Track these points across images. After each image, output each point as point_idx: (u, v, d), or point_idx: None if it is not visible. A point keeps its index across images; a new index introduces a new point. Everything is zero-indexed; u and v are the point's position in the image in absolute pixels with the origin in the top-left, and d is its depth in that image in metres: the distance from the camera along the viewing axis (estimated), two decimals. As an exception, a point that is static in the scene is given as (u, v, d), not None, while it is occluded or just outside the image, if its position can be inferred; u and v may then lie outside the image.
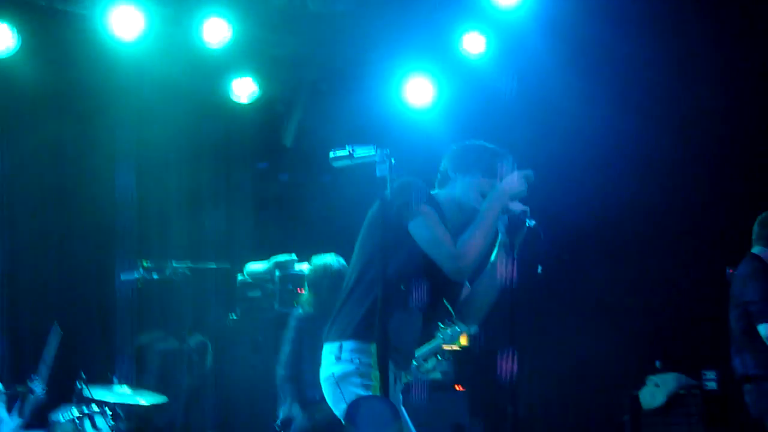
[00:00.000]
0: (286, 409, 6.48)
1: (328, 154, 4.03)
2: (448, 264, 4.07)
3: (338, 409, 4.16)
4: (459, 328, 6.48)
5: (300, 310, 6.73)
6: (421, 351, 6.60)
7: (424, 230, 4.09)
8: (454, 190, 4.35)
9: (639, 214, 7.98)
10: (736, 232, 6.53)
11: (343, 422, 3.95)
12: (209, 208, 8.94)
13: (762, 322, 5.75)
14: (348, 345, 4.13)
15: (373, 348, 3.96)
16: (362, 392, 3.99)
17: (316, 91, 8.74)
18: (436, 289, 4.19)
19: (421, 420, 7.06)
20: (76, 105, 8.06)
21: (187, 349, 7.27)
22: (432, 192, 4.33)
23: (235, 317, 7.77)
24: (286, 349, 6.61)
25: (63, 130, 8.03)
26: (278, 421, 6.47)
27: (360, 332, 4.10)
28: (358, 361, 4.09)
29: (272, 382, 6.66)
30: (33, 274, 7.96)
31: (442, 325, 6.40)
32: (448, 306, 4.50)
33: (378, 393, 3.80)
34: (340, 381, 4.12)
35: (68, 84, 7.98)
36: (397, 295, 4.00)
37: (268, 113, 8.85)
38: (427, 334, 4.42)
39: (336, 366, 4.14)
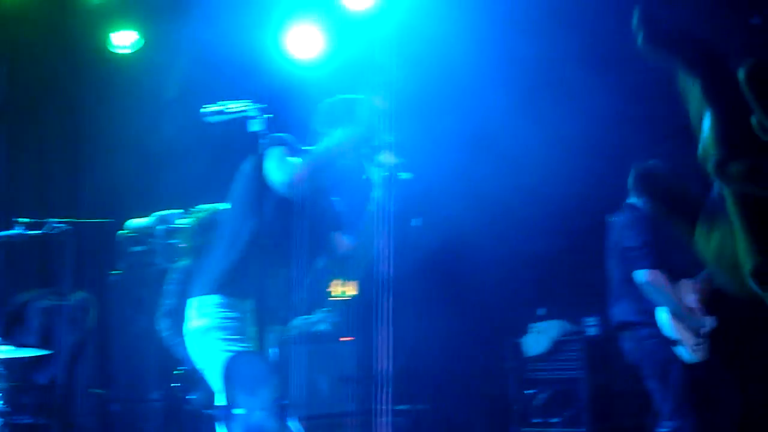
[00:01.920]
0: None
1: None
2: (282, 185, 4.05)
3: (202, 364, 4.15)
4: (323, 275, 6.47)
5: (184, 265, 6.66)
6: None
7: (269, 161, 4.08)
8: (327, 143, 4.35)
9: (521, 164, 8.05)
10: (616, 181, 6.65)
11: (205, 377, 3.95)
12: (90, 164, 8.77)
13: (641, 268, 5.88)
14: (213, 299, 4.11)
15: (241, 303, 3.96)
16: (225, 346, 3.96)
17: (198, 43, 8.59)
18: (300, 242, 4.18)
19: (309, 372, 7.15)
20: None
21: (68, 305, 7.13)
22: (305, 149, 4.33)
23: (117, 273, 7.67)
24: (168, 302, 6.52)
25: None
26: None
27: (223, 285, 4.10)
28: (222, 315, 4.08)
29: (156, 338, 6.58)
30: None
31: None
32: (330, 259, 4.52)
33: (246, 347, 3.80)
34: (202, 335, 4.12)
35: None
36: (262, 249, 3.97)
37: (150, 65, 8.68)
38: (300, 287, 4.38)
39: (199, 320, 4.14)
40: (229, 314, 4.07)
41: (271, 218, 4.03)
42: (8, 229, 6.69)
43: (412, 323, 7.89)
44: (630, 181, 6.22)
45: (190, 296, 4.21)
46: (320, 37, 8.45)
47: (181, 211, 7.53)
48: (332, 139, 4.32)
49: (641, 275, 5.87)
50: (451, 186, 8.06)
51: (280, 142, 4.13)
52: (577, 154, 7.90)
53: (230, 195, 4.28)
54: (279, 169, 4.05)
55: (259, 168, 4.05)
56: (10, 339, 6.64)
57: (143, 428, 7.27)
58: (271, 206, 4.04)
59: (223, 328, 4.06)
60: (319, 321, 7.81)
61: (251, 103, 3.85)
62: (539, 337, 7.69)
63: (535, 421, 7.45)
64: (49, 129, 8.55)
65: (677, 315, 5.86)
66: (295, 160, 4.09)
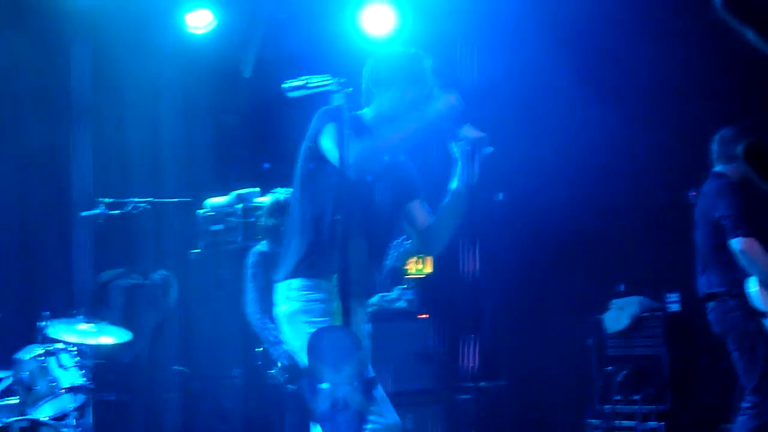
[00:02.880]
0: (273, 340, 6.39)
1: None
2: (348, 166, 3.86)
3: (292, 346, 4.18)
4: (407, 244, 6.46)
5: (261, 247, 6.70)
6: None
7: (326, 141, 4.00)
8: (381, 106, 4.25)
9: (596, 142, 7.97)
10: (692, 154, 6.54)
11: (297, 359, 3.96)
12: (169, 143, 8.86)
13: (734, 236, 5.75)
14: (295, 283, 4.12)
15: (323, 283, 3.95)
16: (311, 329, 3.95)
17: (274, 21, 8.63)
18: (375, 215, 4.16)
19: (387, 349, 7.17)
20: (28, 43, 7.93)
21: (150, 284, 7.24)
22: (359, 112, 4.24)
23: (198, 251, 7.76)
24: (253, 286, 6.56)
25: (16, 72, 7.91)
26: (279, 363, 6.40)
27: (304, 268, 4.10)
28: (305, 298, 4.09)
29: (235, 316, 6.64)
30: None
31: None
32: (411, 234, 4.49)
33: (330, 323, 3.80)
34: (289, 319, 4.13)
35: (20, 17, 7.85)
36: (336, 225, 3.91)
37: (226, 44, 8.73)
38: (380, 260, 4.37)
39: (284, 304, 4.15)
40: (312, 296, 4.07)
41: (335, 194, 3.96)
42: (91, 209, 6.80)
43: (493, 300, 7.87)
44: (713, 149, 6.10)
45: (275, 281, 4.23)
46: (393, 14, 8.42)
47: (259, 190, 7.59)
48: (385, 103, 4.22)
49: (736, 243, 5.73)
50: (531, 163, 8.01)
51: (331, 118, 3.98)
52: (653, 128, 7.80)
53: (296, 175, 4.25)
54: (337, 150, 3.87)
55: (312, 146, 4.01)
56: (94, 317, 6.75)
57: (225, 405, 7.36)
58: (331, 182, 3.97)
59: (308, 311, 4.06)
60: (396, 298, 7.82)
61: (332, 78, 3.82)
62: (620, 314, 7.61)
63: (616, 398, 7.38)
64: (130, 110, 8.65)
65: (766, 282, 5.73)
66: (351, 138, 3.94)
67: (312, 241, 4.08)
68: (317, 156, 4.06)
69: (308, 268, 4.09)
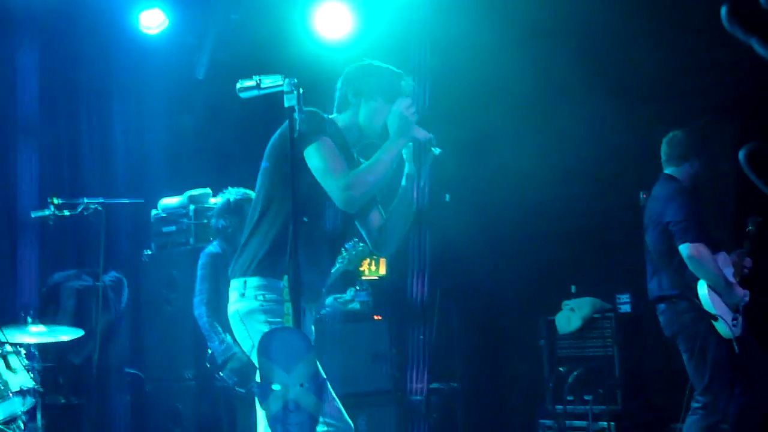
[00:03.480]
0: (218, 344, 6.40)
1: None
2: (336, 194, 4.06)
3: (245, 345, 4.17)
4: (360, 247, 6.48)
5: (212, 248, 6.68)
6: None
7: (315, 158, 4.06)
8: (357, 116, 4.31)
9: (549, 143, 8.02)
10: (643, 155, 6.60)
11: (251, 358, 3.95)
12: (122, 144, 8.80)
13: (683, 242, 5.80)
14: (252, 281, 4.12)
15: (279, 283, 3.95)
16: (267, 329, 3.97)
17: (228, 22, 8.60)
18: (341, 219, 4.18)
19: (341, 350, 7.16)
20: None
21: (101, 285, 7.16)
22: (331, 116, 4.29)
23: (150, 253, 7.71)
24: (203, 287, 6.56)
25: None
26: (219, 361, 6.39)
27: (264, 268, 4.09)
28: (262, 297, 4.08)
29: (187, 318, 6.62)
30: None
31: (344, 249, 6.42)
32: (363, 236, 4.50)
33: (283, 324, 3.80)
34: (244, 317, 4.12)
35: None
36: (301, 227, 3.96)
37: (179, 45, 8.68)
38: (334, 263, 4.41)
39: (240, 302, 4.14)
40: (270, 296, 4.07)
41: (307, 197, 4.00)
42: (42, 209, 6.73)
43: (444, 300, 7.89)
44: (664, 150, 6.15)
45: (232, 277, 4.21)
46: (348, 16, 8.43)
47: (210, 191, 7.56)
48: (360, 114, 4.28)
49: (685, 248, 5.80)
50: (480, 163, 8.04)
51: (319, 131, 4.08)
52: (606, 130, 7.86)
53: (264, 174, 4.25)
54: (331, 174, 4.02)
55: (291, 146, 4.02)
56: (45, 319, 6.68)
57: (178, 407, 7.31)
58: (306, 185, 4.02)
59: (267, 311, 4.06)
60: (350, 300, 7.83)
61: (284, 78, 3.82)
62: (571, 315, 7.65)
63: (568, 398, 7.43)
64: (82, 109, 8.58)
65: (717, 289, 5.81)
66: (340, 159, 4.06)
67: (274, 240, 4.07)
68: (297, 159, 4.06)
69: (268, 267, 4.08)
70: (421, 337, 4.16)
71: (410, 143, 4.21)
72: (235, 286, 4.18)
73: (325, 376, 3.89)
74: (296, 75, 3.86)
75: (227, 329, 6.27)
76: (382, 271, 8.30)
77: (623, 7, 7.58)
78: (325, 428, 3.99)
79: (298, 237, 3.80)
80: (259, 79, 3.88)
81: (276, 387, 3.57)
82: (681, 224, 5.83)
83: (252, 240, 4.19)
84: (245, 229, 4.28)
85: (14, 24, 7.96)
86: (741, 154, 1.88)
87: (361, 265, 7.96)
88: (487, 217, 8.18)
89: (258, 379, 3.70)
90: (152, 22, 8.36)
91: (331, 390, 4.10)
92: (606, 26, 7.69)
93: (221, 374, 6.43)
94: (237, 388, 6.36)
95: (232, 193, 6.66)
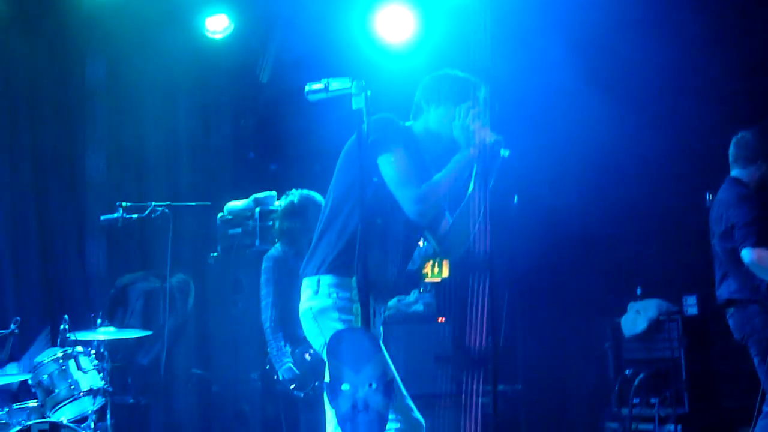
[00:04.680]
0: (276, 353, 6.43)
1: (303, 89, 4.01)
2: (408, 206, 4.11)
3: (317, 343, 4.20)
4: (425, 246, 6.49)
5: (273, 252, 6.71)
6: None
7: (390, 168, 4.11)
8: (428, 122, 4.36)
9: (617, 141, 7.97)
10: (709, 156, 6.54)
11: (322, 356, 3.98)
12: (188, 147, 8.90)
13: (745, 246, 5.75)
14: (326, 279, 4.15)
15: (351, 282, 3.98)
16: (341, 326, 4.02)
17: (291, 25, 8.66)
18: (406, 220, 4.20)
19: (404, 352, 7.18)
20: (47, 45, 7.97)
21: (169, 288, 7.26)
22: (406, 124, 4.33)
23: (215, 255, 7.78)
24: (268, 291, 6.58)
25: (33, 79, 7.97)
26: (281, 377, 6.42)
27: (337, 266, 4.13)
28: (335, 295, 4.12)
29: (253, 319, 6.66)
30: (9, 220, 7.94)
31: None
32: (430, 239, 4.52)
33: (353, 324, 3.83)
34: (318, 315, 4.15)
35: (39, 20, 7.90)
36: (374, 229, 4.02)
37: (243, 48, 8.76)
38: (404, 265, 4.44)
39: (314, 300, 4.17)
40: (343, 294, 4.10)
41: (381, 199, 4.06)
42: (111, 213, 6.84)
43: (509, 303, 7.85)
44: (731, 152, 6.08)
45: (304, 276, 4.25)
46: (412, 19, 8.44)
47: (275, 193, 7.62)
48: (432, 121, 4.32)
49: (747, 254, 5.74)
50: (548, 166, 8.01)
51: (395, 144, 4.13)
52: (671, 130, 7.80)
53: (338, 175, 4.29)
54: (404, 186, 4.10)
55: (363, 152, 4.06)
56: (114, 320, 6.79)
57: (244, 408, 7.38)
58: (379, 187, 4.07)
59: (339, 308, 4.10)
60: (414, 302, 7.84)
61: (353, 81, 3.85)
62: (637, 317, 7.60)
63: (634, 401, 7.37)
64: (148, 114, 8.69)
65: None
66: (413, 171, 4.12)
67: (348, 240, 4.11)
68: (371, 163, 4.11)
69: (340, 266, 4.13)
70: (487, 339, 4.15)
71: (477, 144, 4.22)
72: (308, 284, 4.22)
73: (394, 375, 3.91)
74: (361, 77, 3.89)
75: (290, 332, 6.35)
76: (445, 273, 8.30)
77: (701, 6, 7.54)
78: (397, 425, 4.00)
79: (370, 238, 3.83)
80: (328, 82, 3.92)
81: (345, 387, 3.60)
82: (744, 229, 5.77)
83: (324, 239, 4.23)
84: (317, 228, 4.33)
85: (84, 30, 8.09)
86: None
87: (425, 267, 7.97)
88: (552, 219, 8.13)
89: (326, 379, 3.73)
90: (217, 26, 8.45)
91: (402, 387, 4.13)
92: (682, 27, 7.64)
93: (279, 377, 6.47)
94: (295, 392, 6.39)
95: (296, 195, 6.70)
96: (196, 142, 8.94)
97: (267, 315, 6.53)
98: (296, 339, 6.34)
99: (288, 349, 6.30)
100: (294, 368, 6.26)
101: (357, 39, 8.41)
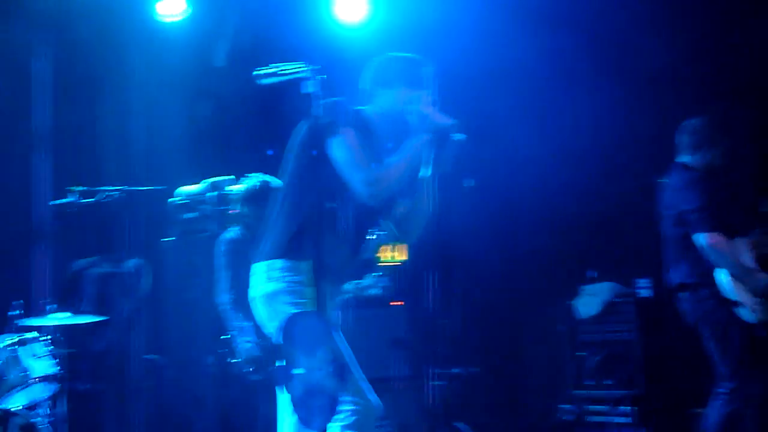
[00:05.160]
0: (238, 332, 6.41)
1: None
2: (359, 188, 4.11)
3: (270, 327, 4.19)
4: (382, 234, 6.47)
5: (229, 234, 6.69)
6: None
7: (339, 151, 4.11)
8: (380, 105, 4.36)
9: (566, 127, 8.01)
10: (661, 141, 6.59)
11: (274, 340, 3.98)
12: (142, 132, 8.83)
13: (700, 232, 5.81)
14: (277, 263, 4.15)
15: (303, 266, 3.98)
16: (292, 310, 4.01)
17: (247, 9, 8.60)
18: (366, 206, 4.20)
19: (362, 336, 7.17)
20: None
21: (123, 272, 7.21)
22: (357, 108, 4.33)
23: (170, 239, 7.73)
24: (225, 275, 6.56)
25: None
26: (239, 348, 6.39)
27: (289, 251, 4.13)
28: (288, 278, 4.11)
29: (208, 304, 6.63)
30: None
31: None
32: (390, 224, 4.53)
33: (311, 309, 3.83)
34: (269, 299, 4.15)
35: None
36: (326, 212, 4.02)
37: (198, 32, 8.69)
38: (359, 249, 4.45)
39: (266, 285, 4.16)
40: (296, 278, 4.10)
41: (332, 183, 4.06)
42: (62, 198, 6.78)
43: (462, 286, 7.91)
44: (680, 138, 6.14)
45: (255, 261, 4.25)
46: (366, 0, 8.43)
47: (232, 177, 7.58)
48: (385, 103, 4.31)
49: (701, 239, 5.80)
50: (499, 149, 8.04)
51: (346, 127, 4.12)
52: (623, 115, 7.85)
53: (288, 162, 4.29)
54: (355, 168, 4.08)
55: (315, 135, 4.06)
56: (67, 306, 6.73)
57: (199, 393, 7.35)
58: (331, 171, 4.07)
59: (291, 292, 4.09)
60: (370, 285, 7.84)
61: (305, 65, 3.84)
62: (592, 299, 7.66)
63: (587, 383, 7.43)
64: (100, 98, 8.61)
65: (737, 276, 5.80)
66: (363, 153, 4.10)
67: (301, 224, 4.10)
68: (323, 147, 4.10)
69: (293, 250, 4.12)
70: (441, 321, 4.17)
71: (430, 127, 4.22)
72: (259, 269, 4.21)
73: (349, 356, 3.91)
74: (317, 61, 3.88)
75: (249, 315, 6.33)
76: (402, 256, 8.31)
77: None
78: (352, 407, 4.01)
79: (322, 222, 3.84)
80: (279, 65, 3.90)
81: (299, 371, 3.60)
82: (696, 213, 5.83)
83: (276, 224, 4.23)
84: (269, 213, 4.32)
85: (29, 15, 7.98)
86: None
87: (381, 251, 7.96)
88: (504, 203, 8.17)
89: (279, 362, 3.73)
90: (173, 9, 8.38)
91: (358, 369, 4.13)
92: (618, 11, 7.67)
93: (236, 360, 6.46)
94: (251, 376, 6.38)
95: (257, 180, 6.68)
96: (151, 127, 8.86)
97: (225, 298, 6.51)
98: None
99: (250, 325, 6.27)
100: (257, 346, 6.22)
101: (314, 20, 8.38)
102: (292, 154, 4.28)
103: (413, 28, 7.90)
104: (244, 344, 6.33)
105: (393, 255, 8.32)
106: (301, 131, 4.25)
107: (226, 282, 6.53)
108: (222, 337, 6.61)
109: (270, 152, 8.70)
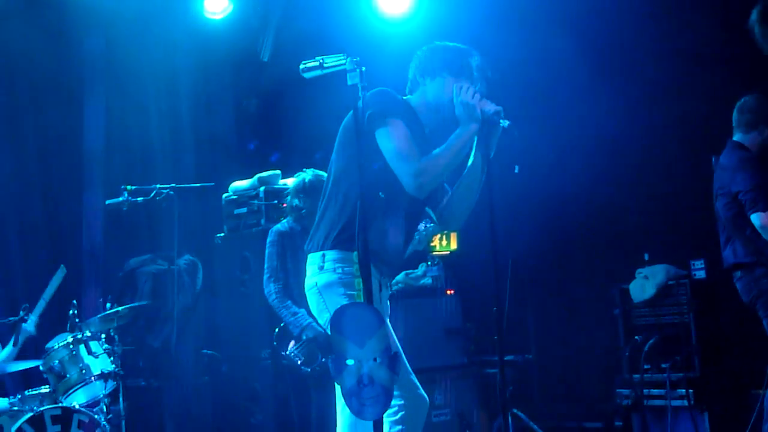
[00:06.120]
0: (291, 317, 6.43)
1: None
2: (407, 179, 4.11)
3: (322, 318, 4.22)
4: (431, 226, 6.48)
5: (279, 226, 6.73)
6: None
7: (388, 142, 4.11)
8: (426, 94, 4.37)
9: (619, 109, 7.94)
10: (713, 120, 6.52)
11: (327, 331, 4.00)
12: (190, 129, 8.90)
13: (754, 212, 5.75)
14: (330, 254, 4.17)
15: (355, 256, 3.99)
16: (345, 301, 4.03)
17: (290, 3, 8.64)
18: (409, 195, 4.19)
19: (414, 326, 7.20)
20: (43, 34, 7.96)
21: (177, 269, 7.28)
22: (404, 97, 4.33)
23: (222, 235, 7.80)
24: (272, 265, 6.61)
25: (32, 64, 7.97)
26: (295, 333, 6.41)
27: (341, 241, 4.15)
28: (341, 270, 4.14)
29: (261, 298, 6.68)
30: (16, 207, 7.96)
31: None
32: (430, 212, 4.52)
33: (362, 300, 3.84)
34: (323, 290, 4.17)
35: (34, 9, 7.90)
36: (377, 202, 4.03)
37: (243, 29, 8.74)
38: (409, 240, 4.45)
39: (319, 275, 4.19)
40: (348, 268, 4.12)
41: (383, 173, 4.07)
42: (116, 197, 6.86)
43: (516, 273, 7.85)
44: (734, 116, 6.06)
45: (309, 251, 4.27)
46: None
47: (280, 172, 7.62)
48: (429, 93, 4.31)
49: (756, 218, 5.74)
50: (550, 135, 7.99)
51: (393, 117, 4.12)
52: (672, 96, 7.76)
53: (337, 151, 4.30)
54: (403, 160, 4.09)
55: (363, 126, 4.06)
56: (123, 303, 6.82)
57: (255, 387, 7.40)
58: (378, 161, 4.08)
59: (344, 283, 4.11)
60: (423, 275, 7.85)
61: (347, 57, 3.85)
62: (645, 283, 7.58)
63: (645, 367, 7.37)
64: (149, 96, 8.69)
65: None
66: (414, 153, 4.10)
67: (351, 215, 4.11)
68: (370, 137, 4.11)
69: (344, 241, 4.14)
70: (495, 309, 4.15)
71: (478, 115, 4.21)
72: (312, 259, 4.23)
73: (398, 349, 3.92)
74: (360, 53, 3.89)
75: (298, 305, 6.37)
76: (454, 245, 8.30)
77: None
78: (401, 401, 4.03)
79: (372, 212, 3.85)
80: (322, 59, 3.92)
81: (350, 362, 3.61)
82: (750, 194, 5.77)
83: (327, 215, 4.25)
84: (320, 204, 4.34)
85: (82, 14, 8.07)
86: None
87: (431, 242, 7.97)
88: (555, 188, 8.12)
89: (330, 354, 3.75)
90: (216, 7, 8.43)
91: (406, 363, 4.14)
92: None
93: (287, 353, 6.49)
94: (303, 367, 6.41)
95: (308, 174, 6.72)
96: (198, 124, 8.93)
97: (271, 288, 6.55)
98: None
99: (303, 310, 6.30)
100: (317, 325, 6.21)
101: (357, 12, 8.39)
102: (340, 145, 4.29)
103: (456, 22, 7.88)
104: (302, 326, 6.33)
105: (445, 244, 8.31)
106: (347, 122, 4.25)
107: (273, 272, 6.57)
108: (275, 329, 6.66)
109: (273, 158, 8.79)
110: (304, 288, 4.33)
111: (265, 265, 6.61)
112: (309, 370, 6.39)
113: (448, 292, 7.78)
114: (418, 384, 4.22)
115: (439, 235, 8.14)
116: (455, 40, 4.53)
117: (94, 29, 8.25)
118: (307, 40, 8.03)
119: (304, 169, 6.78)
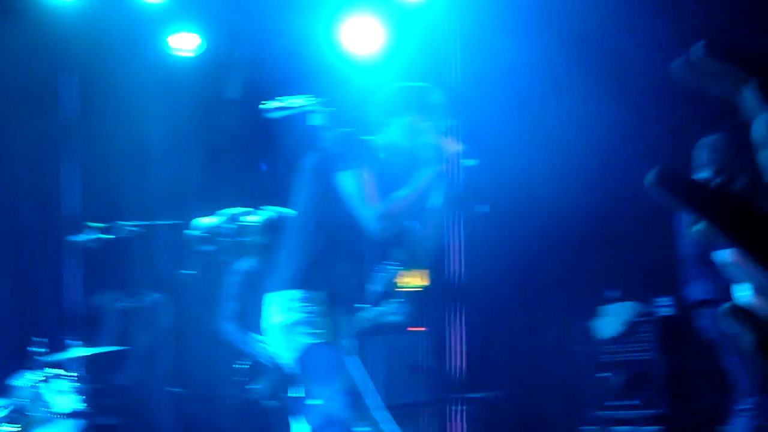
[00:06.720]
0: (257, 348, 6.41)
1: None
2: (370, 223, 4.12)
3: (286, 358, 4.21)
4: (396, 264, 6.47)
5: (242, 265, 6.71)
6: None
7: (351, 185, 4.13)
8: (388, 135, 4.38)
9: (582, 149, 8.00)
10: (680, 159, 6.57)
11: (291, 371, 4.00)
12: (156, 165, 8.89)
13: (720, 248, 5.78)
14: (295, 294, 4.16)
15: (319, 296, 4.00)
16: (309, 341, 4.03)
17: (258, 42, 8.67)
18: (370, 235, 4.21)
19: (383, 363, 7.19)
20: (16, 72, 7.96)
21: (143, 307, 7.25)
22: (367, 138, 4.35)
23: (189, 272, 7.76)
24: (231, 306, 6.57)
25: (4, 100, 7.97)
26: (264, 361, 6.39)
27: (305, 281, 4.14)
28: (306, 310, 4.13)
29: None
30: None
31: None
32: (396, 250, 4.54)
33: (327, 340, 3.85)
34: (287, 330, 4.16)
35: (8, 46, 7.90)
36: (339, 243, 4.04)
37: (211, 66, 8.77)
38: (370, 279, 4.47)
39: (284, 315, 4.18)
40: (313, 308, 4.12)
41: (343, 212, 4.08)
42: (81, 234, 6.83)
43: (482, 311, 7.88)
44: (699, 156, 6.12)
45: (269, 291, 4.26)
46: (378, 30, 8.47)
47: (248, 209, 7.61)
48: (393, 133, 4.34)
49: (725, 255, 5.77)
50: (515, 173, 8.03)
51: (357, 160, 4.14)
52: (640, 134, 7.83)
53: (298, 193, 4.31)
54: (365, 203, 4.10)
55: (325, 168, 4.08)
56: (89, 342, 6.78)
57: (222, 424, 7.36)
58: (340, 202, 4.09)
59: (308, 323, 4.11)
60: (390, 312, 7.84)
61: (312, 98, 3.88)
62: (611, 320, 7.63)
63: (612, 403, 7.39)
64: (115, 134, 8.69)
65: (760, 291, 5.75)
66: (373, 188, 4.12)
67: (316, 255, 4.13)
68: (324, 176, 4.13)
69: (309, 281, 4.14)
70: (462, 347, 4.18)
71: (442, 154, 4.24)
72: (276, 299, 4.22)
73: (363, 387, 3.92)
74: (327, 93, 3.92)
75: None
76: (421, 282, 8.30)
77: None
78: None
79: (336, 253, 3.86)
80: (285, 99, 3.95)
81: (316, 401, 3.62)
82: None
83: (291, 255, 4.24)
84: (285, 244, 4.34)
85: (55, 54, 8.09)
86: (650, 177, 1.87)
87: (397, 280, 7.96)
88: (520, 226, 8.16)
89: (295, 392, 3.75)
90: (186, 44, 8.46)
91: (377, 399, 4.14)
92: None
93: (254, 387, 6.47)
94: (268, 402, 6.38)
95: (272, 211, 6.72)
96: (164, 160, 8.92)
97: (231, 325, 6.52)
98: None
99: (266, 342, 6.27)
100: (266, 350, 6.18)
101: (325, 52, 8.43)
102: (304, 186, 4.31)
103: (422, 59, 7.94)
104: (260, 350, 6.31)
105: (412, 281, 8.31)
106: (310, 163, 4.27)
107: (235, 312, 6.55)
108: (239, 364, 6.63)
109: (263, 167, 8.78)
110: (262, 327, 4.33)
111: (225, 304, 6.59)
112: (276, 403, 6.36)
113: (416, 329, 7.77)
114: (387, 418, 4.21)
115: (406, 273, 8.13)
116: (420, 77, 4.55)
117: (68, 67, 8.25)
118: (277, 77, 8.05)
119: (267, 207, 6.78)
